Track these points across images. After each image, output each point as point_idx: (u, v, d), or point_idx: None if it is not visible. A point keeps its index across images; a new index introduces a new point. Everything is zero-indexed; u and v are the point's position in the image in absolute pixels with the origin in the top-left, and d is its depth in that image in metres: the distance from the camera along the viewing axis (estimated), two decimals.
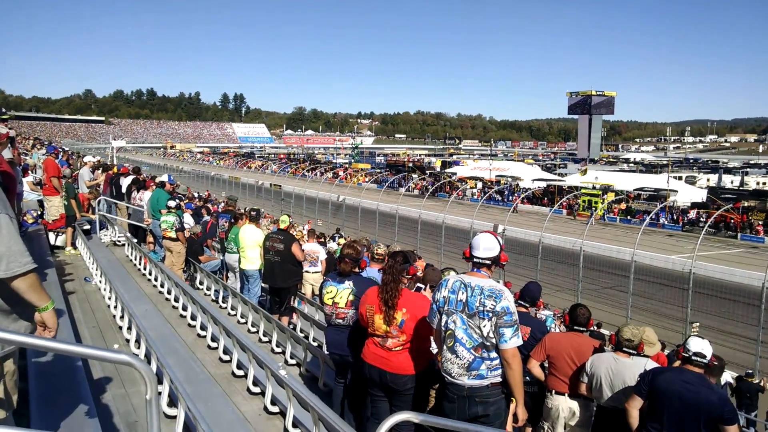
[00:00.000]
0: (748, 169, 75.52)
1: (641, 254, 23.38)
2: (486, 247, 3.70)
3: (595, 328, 17.38)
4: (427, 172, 71.19)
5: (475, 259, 3.71)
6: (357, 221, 36.52)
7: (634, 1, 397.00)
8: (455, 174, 67.63)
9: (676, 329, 18.12)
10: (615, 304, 21.01)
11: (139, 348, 5.70)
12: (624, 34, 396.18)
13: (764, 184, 60.65)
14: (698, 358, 4.04)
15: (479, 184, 59.25)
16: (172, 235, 10.14)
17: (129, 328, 6.38)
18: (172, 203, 10.48)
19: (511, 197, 50.80)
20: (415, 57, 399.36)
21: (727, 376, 13.57)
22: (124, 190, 14.27)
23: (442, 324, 3.67)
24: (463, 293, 3.59)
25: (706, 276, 23.07)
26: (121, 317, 6.87)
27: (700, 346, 4.08)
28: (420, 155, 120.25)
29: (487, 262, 3.70)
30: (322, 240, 22.45)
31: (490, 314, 3.48)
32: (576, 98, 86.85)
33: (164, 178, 13.60)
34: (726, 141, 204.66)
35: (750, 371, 14.01)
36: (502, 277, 23.12)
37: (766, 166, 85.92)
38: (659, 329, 17.99)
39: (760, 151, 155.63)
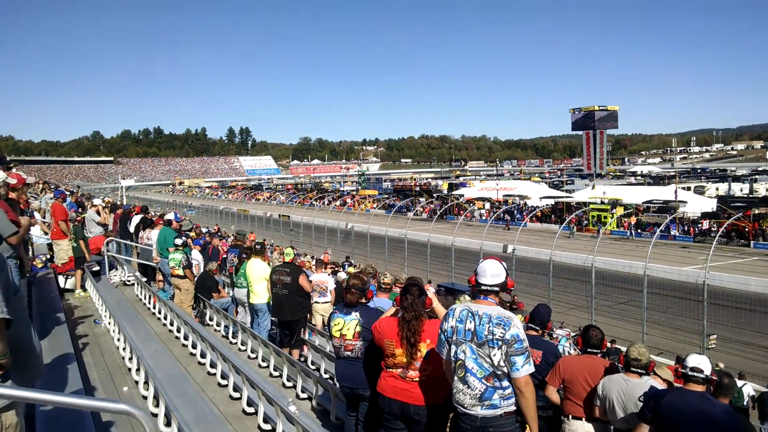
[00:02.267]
0: (756, 176, 75.04)
1: (654, 267, 23.17)
2: (493, 273, 3.65)
3: (610, 344, 17.17)
4: (435, 195, 71.20)
5: (482, 287, 3.66)
6: (366, 248, 36.47)
7: (631, 13, 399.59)
8: (462, 196, 67.64)
9: (693, 342, 17.84)
10: (630, 320, 20.75)
11: (147, 390, 5.66)
12: (623, 47, 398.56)
13: None
14: (695, 374, 3.98)
15: (487, 205, 59.17)
16: (180, 272, 10.15)
17: (138, 370, 6.34)
18: (178, 241, 10.51)
19: (520, 216, 50.65)
20: (417, 81, 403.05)
21: (749, 389, 13.30)
22: (132, 229, 14.35)
23: (452, 354, 3.60)
24: (470, 322, 3.53)
25: (721, 286, 22.82)
26: (130, 359, 6.85)
27: (696, 361, 4.03)
28: (426, 179, 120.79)
29: (495, 289, 3.65)
30: (335, 268, 22.45)
31: (500, 342, 3.41)
32: (579, 114, 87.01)
33: (170, 216, 13.68)
34: (732, 149, 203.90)
35: None
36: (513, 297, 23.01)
37: None
38: (676, 342, 17.85)
39: None
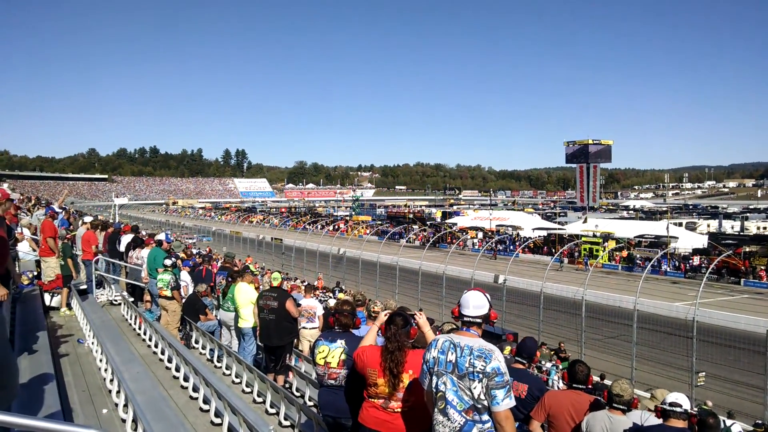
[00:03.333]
0: (747, 214, 75.63)
1: (644, 302, 23.19)
2: (476, 305, 3.65)
3: (599, 380, 17.09)
4: (428, 222, 71.28)
5: (464, 318, 3.65)
6: (358, 274, 36.39)
7: (628, 49, 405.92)
8: (456, 224, 67.72)
9: (682, 379, 17.76)
10: (620, 354, 20.69)
11: (127, 413, 5.58)
12: (619, 83, 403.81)
13: (765, 228, 60.60)
14: (674, 408, 3.97)
15: (480, 234, 59.25)
16: (168, 293, 10.08)
17: (119, 392, 6.25)
18: (168, 262, 10.46)
19: (512, 246, 50.71)
20: (414, 109, 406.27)
21: (738, 428, 13.22)
22: (123, 248, 14.27)
23: (433, 385, 3.58)
24: (452, 354, 3.50)
25: (711, 323, 22.78)
26: (111, 380, 6.75)
27: (674, 397, 4.03)
28: (420, 206, 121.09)
29: (478, 320, 3.64)
30: (322, 295, 22.34)
31: (481, 375, 3.38)
32: (573, 147, 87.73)
33: (161, 236, 13.64)
34: (724, 186, 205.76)
35: (760, 421, 13.66)
36: (503, 328, 22.93)
37: (765, 211, 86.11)
38: (664, 379, 17.77)
39: (759, 195, 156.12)
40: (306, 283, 18.38)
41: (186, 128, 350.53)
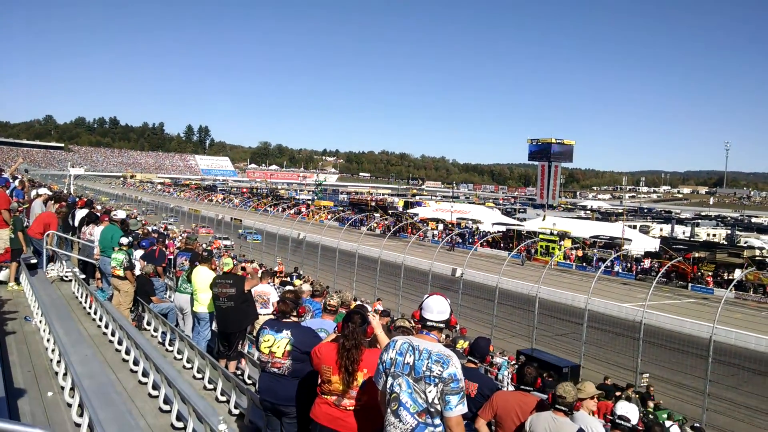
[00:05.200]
0: (699, 221, 78.05)
1: (595, 302, 23.77)
2: (439, 310, 3.68)
3: (547, 377, 17.47)
4: (390, 211, 71.51)
5: (427, 323, 3.68)
6: (317, 259, 36.30)
7: (595, 53, 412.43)
8: (417, 215, 68.15)
9: (627, 379, 18.29)
10: (569, 352, 21.17)
11: (73, 397, 5.45)
12: (585, 84, 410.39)
13: (714, 235, 62.74)
14: (623, 422, 4.09)
15: (440, 226, 59.74)
16: (121, 273, 9.85)
17: (65, 374, 6.11)
18: (124, 240, 10.21)
19: (471, 240, 51.29)
20: (381, 97, 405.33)
21: (677, 429, 13.69)
22: (77, 223, 13.87)
23: (388, 386, 3.60)
24: (410, 356, 3.52)
25: (658, 326, 23.56)
26: (59, 362, 6.59)
27: (625, 410, 4.14)
28: (383, 194, 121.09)
29: (440, 325, 3.68)
30: (287, 279, 22.16)
31: (437, 380, 3.41)
32: (537, 145, 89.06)
33: (121, 215, 13.32)
34: (679, 192, 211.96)
35: (698, 425, 14.17)
36: (458, 321, 23.19)
37: (716, 218, 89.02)
38: (611, 378, 18.25)
39: (711, 203, 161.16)
40: (264, 268, 18.21)
41: (148, 100, 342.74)
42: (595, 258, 43.39)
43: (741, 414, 16.75)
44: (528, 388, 5.16)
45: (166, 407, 5.99)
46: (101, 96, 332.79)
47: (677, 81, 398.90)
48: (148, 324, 10.10)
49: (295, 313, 5.18)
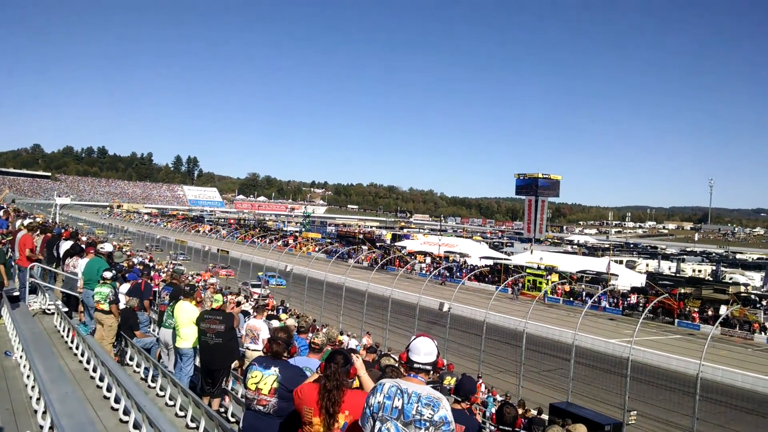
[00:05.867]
0: (684, 256, 78.70)
1: (583, 337, 23.73)
2: (426, 352, 3.66)
3: (536, 414, 17.31)
4: (378, 244, 71.51)
5: (414, 365, 3.65)
6: (303, 292, 36.12)
7: (582, 90, 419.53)
8: (405, 248, 68.15)
9: (615, 416, 18.15)
10: (556, 388, 21.05)
11: None
12: (571, 120, 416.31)
13: (700, 271, 63.16)
14: None
15: (428, 259, 59.73)
16: (105, 307, 9.72)
17: (45, 413, 5.98)
18: (109, 274, 10.11)
19: (459, 274, 51.25)
20: (370, 130, 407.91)
21: None
22: (62, 254, 13.73)
23: (376, 431, 3.54)
24: (399, 399, 3.47)
25: (645, 362, 23.53)
26: (38, 399, 6.45)
27: None
28: (371, 227, 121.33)
29: (428, 368, 3.65)
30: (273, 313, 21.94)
31: (428, 423, 3.36)
32: (524, 180, 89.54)
33: (108, 248, 13.22)
34: (664, 227, 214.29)
35: None
36: (445, 357, 23.05)
37: (701, 254, 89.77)
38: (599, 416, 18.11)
39: (696, 239, 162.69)
40: (255, 305, 18.04)
41: (137, 131, 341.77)
42: (582, 293, 43.46)
43: None
44: (507, 429, 5.12)
45: None
46: (90, 125, 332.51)
47: (663, 118, 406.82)
48: (131, 359, 9.95)
49: (286, 354, 5.12)
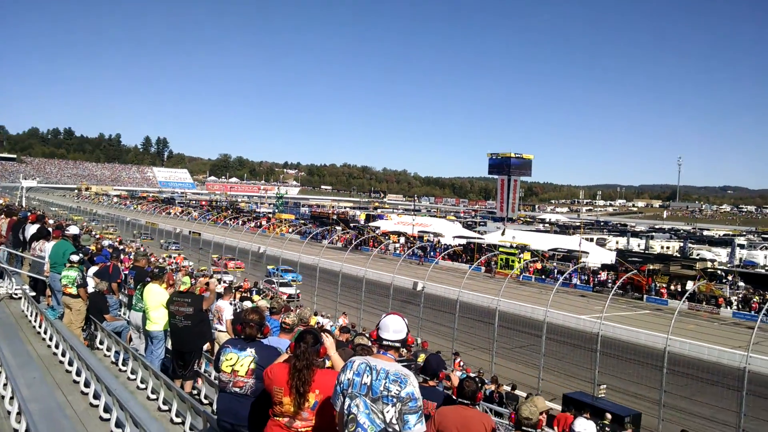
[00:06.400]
0: (653, 234, 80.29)
1: (554, 314, 24.09)
2: (395, 329, 3.68)
3: (510, 389, 17.61)
4: (351, 225, 71.49)
5: (383, 342, 3.67)
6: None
7: (553, 69, 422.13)
8: (379, 228, 68.28)
9: (585, 390, 18.55)
10: (529, 364, 21.39)
11: (20, 423, 5.25)
12: (544, 100, 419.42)
13: (668, 248, 64.55)
14: None
15: (402, 239, 59.94)
16: (73, 291, 9.54)
17: (12, 398, 5.87)
18: (75, 257, 9.91)
19: (432, 253, 51.56)
20: (343, 110, 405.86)
21: None
22: (28, 238, 13.43)
23: (345, 407, 3.55)
24: (368, 376, 3.48)
25: (614, 337, 24.01)
26: (5, 385, 6.33)
27: (583, 426, 4.19)
28: (345, 207, 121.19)
29: (396, 344, 3.67)
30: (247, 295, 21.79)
31: (395, 400, 3.38)
32: (496, 159, 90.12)
33: (74, 230, 12.95)
34: (633, 205, 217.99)
35: None
36: (420, 335, 23.27)
37: (669, 231, 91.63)
38: (570, 389, 18.53)
39: (665, 216, 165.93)
40: (225, 285, 17.87)
41: (105, 112, 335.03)
42: (554, 270, 44.12)
43: (696, 423, 17.12)
44: (466, 402, 5.16)
45: (118, 430, 5.80)
46: (56, 106, 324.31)
47: (633, 97, 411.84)
48: (101, 343, 9.82)
49: (260, 335, 5.09)
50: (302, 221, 78.79)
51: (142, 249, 28.85)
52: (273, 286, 33.55)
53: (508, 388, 17.75)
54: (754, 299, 34.38)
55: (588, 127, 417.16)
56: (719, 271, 42.35)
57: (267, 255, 41.08)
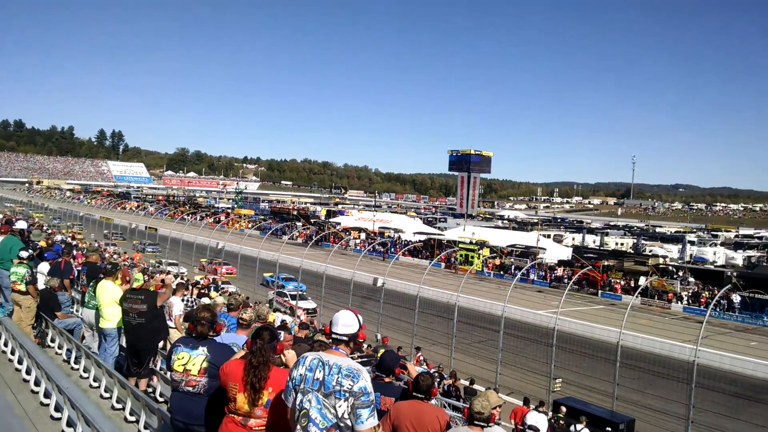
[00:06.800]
0: (608, 230, 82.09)
1: (512, 309, 24.49)
2: (345, 324, 3.70)
3: (468, 384, 17.84)
4: (312, 220, 71.15)
5: (333, 335, 3.69)
6: (236, 269, 35.62)
7: (513, 66, 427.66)
8: (339, 224, 68.12)
9: (541, 384, 18.94)
10: (487, 359, 21.67)
11: None
12: (504, 97, 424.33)
13: (622, 244, 66.19)
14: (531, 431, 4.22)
15: (363, 235, 59.97)
16: (22, 288, 9.27)
17: None
18: (24, 253, 9.63)
19: (393, 249, 51.75)
20: (303, 105, 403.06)
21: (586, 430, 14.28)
22: None
23: (297, 403, 3.56)
24: (320, 371, 3.50)
25: (570, 331, 24.53)
26: None
27: (535, 419, 4.28)
28: (305, 203, 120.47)
29: (344, 338, 3.69)
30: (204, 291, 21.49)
31: (347, 394, 3.41)
32: (456, 156, 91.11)
33: (22, 225, 12.59)
34: (590, 203, 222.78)
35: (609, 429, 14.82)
36: (380, 331, 23.36)
37: (623, 228, 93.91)
38: (526, 384, 18.91)
39: (619, 213, 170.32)
40: (178, 281, 17.57)
41: (57, 103, 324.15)
42: (512, 266, 44.81)
43: (647, 415, 17.65)
44: (421, 396, 5.22)
45: (70, 430, 5.69)
46: (5, 98, 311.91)
47: (590, 97, 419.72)
48: (53, 341, 9.58)
49: (212, 333, 5.03)
50: (262, 217, 78.08)
51: (96, 244, 28.17)
52: (286, 300, 30.28)
53: (467, 383, 17.99)
54: (704, 294, 35.52)
55: (546, 125, 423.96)
56: (671, 267, 43.60)
57: (225, 251, 40.64)
